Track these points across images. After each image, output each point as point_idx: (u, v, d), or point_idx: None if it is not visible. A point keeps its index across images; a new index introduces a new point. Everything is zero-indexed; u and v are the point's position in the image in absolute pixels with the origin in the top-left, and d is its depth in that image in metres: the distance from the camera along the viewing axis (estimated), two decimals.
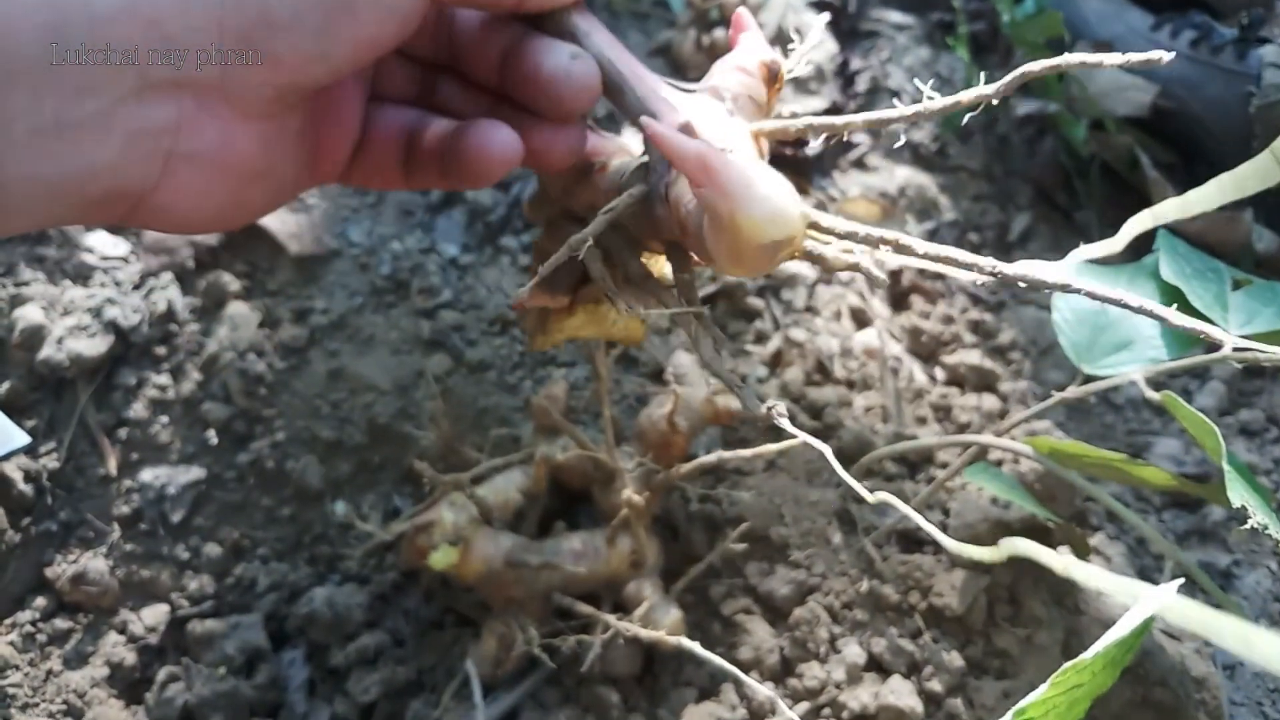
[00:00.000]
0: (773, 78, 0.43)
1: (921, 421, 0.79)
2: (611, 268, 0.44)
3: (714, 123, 0.40)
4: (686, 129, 0.39)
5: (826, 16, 0.50)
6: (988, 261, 0.36)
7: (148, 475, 0.71)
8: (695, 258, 0.42)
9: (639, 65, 0.42)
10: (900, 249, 0.37)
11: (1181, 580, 0.48)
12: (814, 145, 0.98)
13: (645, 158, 0.42)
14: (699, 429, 0.66)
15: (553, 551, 0.62)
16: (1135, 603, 0.39)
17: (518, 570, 0.61)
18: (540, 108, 0.41)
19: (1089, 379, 0.62)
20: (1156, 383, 0.60)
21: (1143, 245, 0.96)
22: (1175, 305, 0.62)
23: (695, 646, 0.58)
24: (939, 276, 0.93)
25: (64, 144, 0.33)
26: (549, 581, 0.62)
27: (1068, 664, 0.44)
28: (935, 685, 0.62)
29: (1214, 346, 0.59)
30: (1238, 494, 0.51)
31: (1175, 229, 0.92)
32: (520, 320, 0.49)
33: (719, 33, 0.99)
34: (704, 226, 0.37)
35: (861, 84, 1.05)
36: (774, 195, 0.35)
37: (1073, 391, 0.62)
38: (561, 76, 0.40)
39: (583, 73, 0.40)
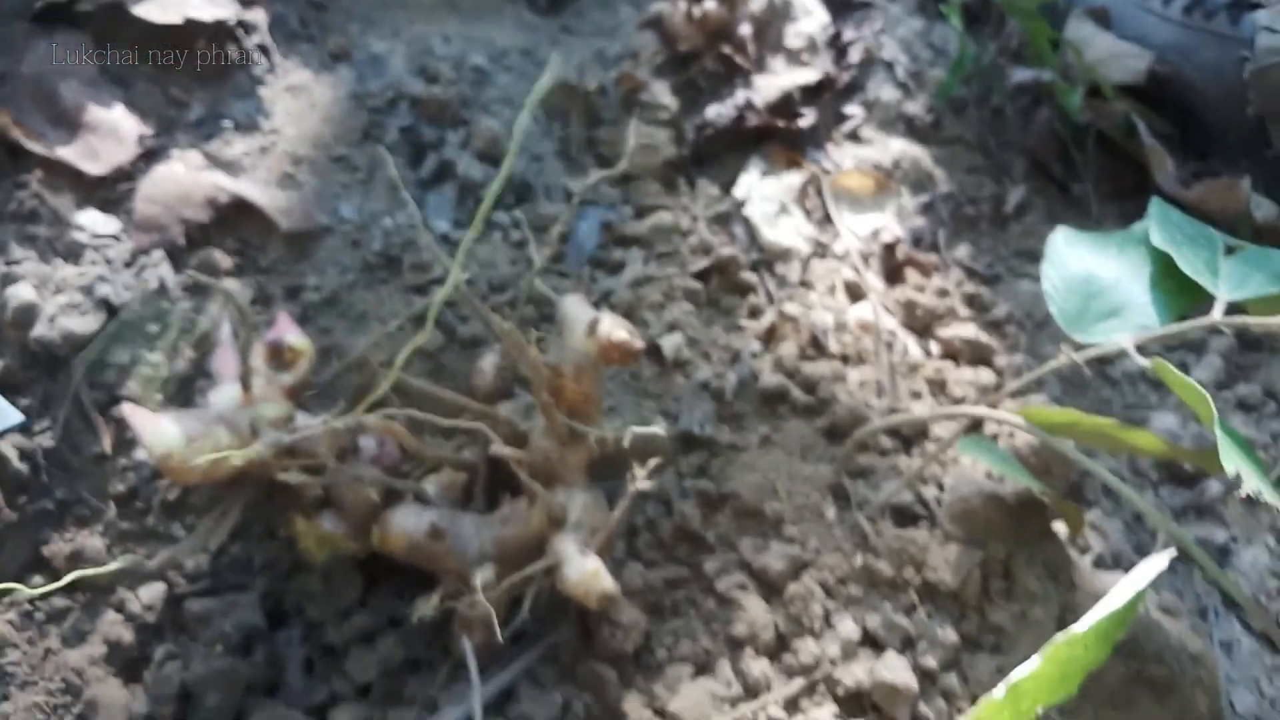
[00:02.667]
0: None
1: (916, 395, 0.79)
2: None
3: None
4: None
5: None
6: None
7: (142, 453, 0.71)
8: None
9: None
10: None
11: (1173, 551, 0.48)
12: (808, 117, 0.97)
13: None
14: (591, 370, 0.63)
15: (480, 520, 0.63)
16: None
17: (443, 540, 0.62)
18: None
19: (1080, 348, 0.62)
20: (1150, 354, 0.59)
21: (1134, 213, 0.96)
22: (1165, 270, 0.62)
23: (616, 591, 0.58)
24: (934, 249, 0.93)
25: None
26: (481, 549, 0.62)
27: (1060, 635, 0.43)
28: (930, 660, 0.62)
29: (1205, 314, 0.59)
30: (1231, 460, 0.51)
31: (1173, 198, 0.92)
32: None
33: (709, 4, 0.98)
34: None
35: (854, 55, 1.04)
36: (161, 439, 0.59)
37: (1066, 359, 0.61)
38: None
39: None
